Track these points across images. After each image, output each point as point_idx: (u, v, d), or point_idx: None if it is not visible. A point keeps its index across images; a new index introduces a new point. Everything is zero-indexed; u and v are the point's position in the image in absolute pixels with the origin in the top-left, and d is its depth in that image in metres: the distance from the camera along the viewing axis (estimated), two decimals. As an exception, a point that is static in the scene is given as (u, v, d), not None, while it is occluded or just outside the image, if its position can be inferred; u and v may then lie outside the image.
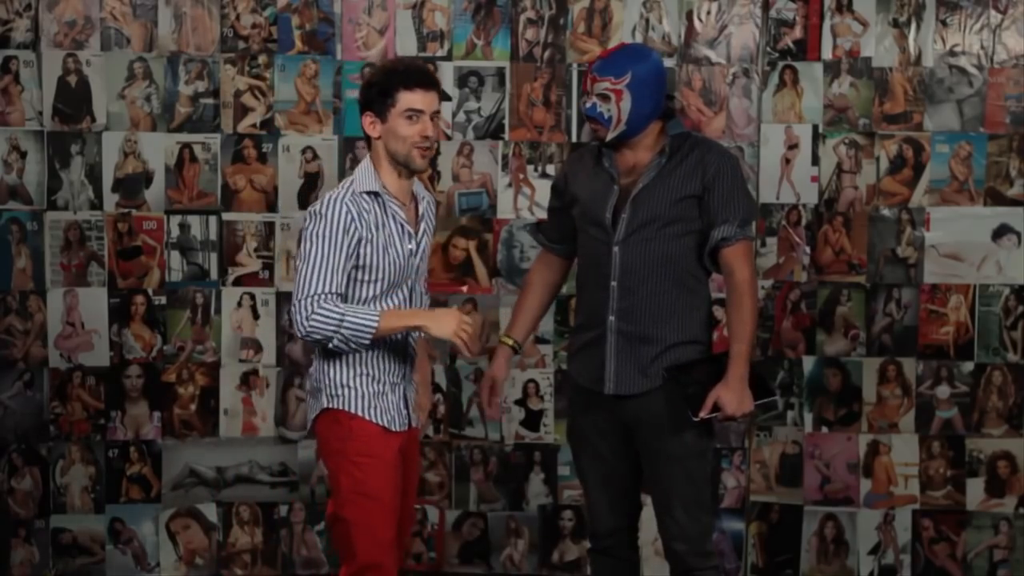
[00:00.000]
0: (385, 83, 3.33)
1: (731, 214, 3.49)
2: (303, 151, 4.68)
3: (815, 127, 4.61)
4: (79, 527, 4.71)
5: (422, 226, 3.48)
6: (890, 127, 4.59)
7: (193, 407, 4.71)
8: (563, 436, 4.25)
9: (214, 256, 4.68)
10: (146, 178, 4.66)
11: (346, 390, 3.37)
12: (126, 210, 4.65)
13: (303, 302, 3.26)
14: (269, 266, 4.69)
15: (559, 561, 4.76)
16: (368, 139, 3.40)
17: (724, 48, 4.64)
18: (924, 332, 4.62)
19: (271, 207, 4.68)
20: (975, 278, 4.59)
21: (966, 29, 4.56)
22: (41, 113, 4.61)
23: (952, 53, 4.56)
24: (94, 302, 4.65)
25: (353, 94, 4.56)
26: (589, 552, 3.84)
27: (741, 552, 4.70)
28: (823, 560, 4.68)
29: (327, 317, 3.24)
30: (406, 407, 3.44)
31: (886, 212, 4.61)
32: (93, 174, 4.64)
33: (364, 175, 3.37)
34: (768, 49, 4.62)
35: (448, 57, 4.68)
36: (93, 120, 4.63)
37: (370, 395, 3.37)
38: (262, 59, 4.65)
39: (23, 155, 4.62)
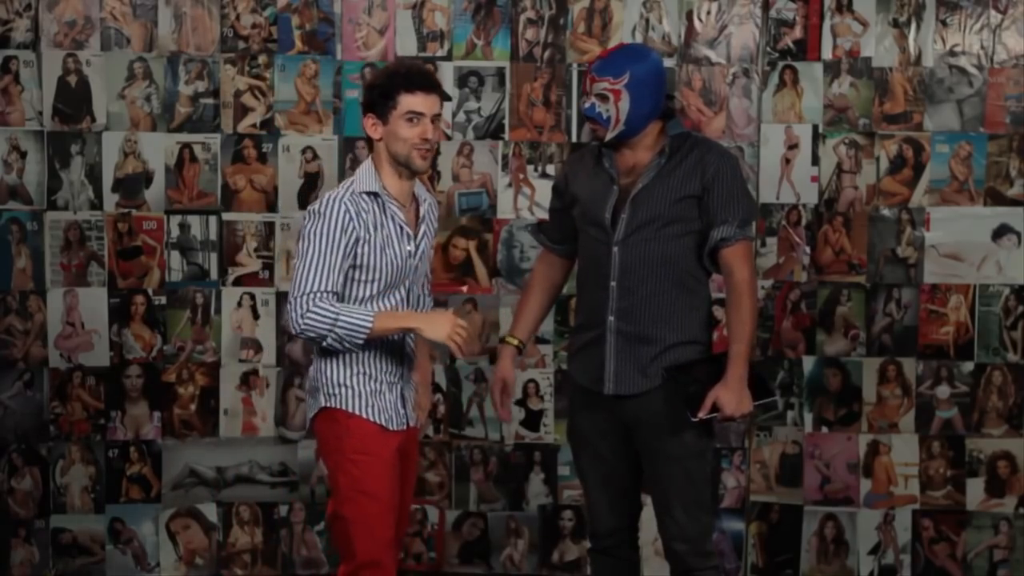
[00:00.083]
0: (386, 85, 3.34)
1: (731, 214, 3.48)
2: (303, 151, 4.68)
3: (815, 127, 4.61)
4: (79, 527, 4.71)
5: (422, 228, 3.48)
6: (890, 127, 4.59)
7: (193, 407, 4.71)
8: (563, 436, 4.25)
9: (214, 256, 4.68)
10: (146, 178, 4.66)
11: (343, 389, 3.37)
12: (126, 210, 4.65)
13: (299, 299, 3.27)
14: (269, 266, 4.69)
15: (559, 561, 4.76)
16: (370, 140, 3.41)
17: (724, 48, 4.64)
18: (924, 332, 4.61)
19: (271, 207, 4.68)
20: (975, 278, 4.59)
21: (966, 29, 4.55)
22: (41, 113, 4.61)
23: (952, 53, 4.56)
24: (94, 302, 4.65)
25: (353, 94, 4.58)
26: (589, 552, 3.84)
27: (741, 552, 4.70)
28: (823, 560, 4.68)
29: (322, 316, 3.25)
30: (404, 406, 3.45)
31: (886, 212, 4.61)
32: (93, 174, 4.64)
33: (365, 176, 3.38)
34: (768, 49, 4.62)
35: (448, 57, 4.67)
36: (93, 120, 4.63)
37: (367, 394, 3.38)
38: (262, 59, 4.65)
39: (23, 155, 4.62)
